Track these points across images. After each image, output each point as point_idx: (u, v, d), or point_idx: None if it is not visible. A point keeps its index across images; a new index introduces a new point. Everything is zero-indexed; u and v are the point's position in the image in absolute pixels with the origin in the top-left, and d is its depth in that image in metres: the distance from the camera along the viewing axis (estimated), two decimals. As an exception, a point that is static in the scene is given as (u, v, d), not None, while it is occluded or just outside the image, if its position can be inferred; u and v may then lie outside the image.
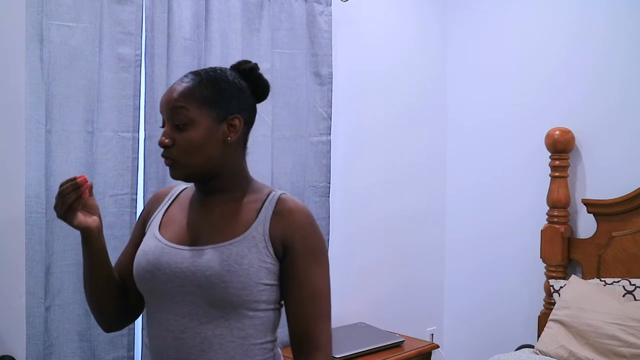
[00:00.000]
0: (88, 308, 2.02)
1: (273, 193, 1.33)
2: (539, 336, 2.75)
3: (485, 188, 3.27)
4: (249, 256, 1.23)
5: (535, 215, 2.98)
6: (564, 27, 2.97)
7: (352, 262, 2.98)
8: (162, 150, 1.28)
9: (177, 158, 1.25)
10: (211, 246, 1.25)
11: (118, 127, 2.11)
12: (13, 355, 1.95)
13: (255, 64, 1.38)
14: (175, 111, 1.25)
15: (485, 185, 3.27)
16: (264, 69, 2.52)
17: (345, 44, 2.90)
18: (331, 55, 2.74)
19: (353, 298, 2.99)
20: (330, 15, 2.74)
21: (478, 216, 3.31)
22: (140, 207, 2.17)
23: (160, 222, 1.36)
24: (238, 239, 1.25)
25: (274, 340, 1.33)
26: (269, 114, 2.53)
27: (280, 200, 1.31)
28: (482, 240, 3.29)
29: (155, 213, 1.40)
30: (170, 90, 1.29)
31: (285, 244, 1.27)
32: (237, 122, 1.29)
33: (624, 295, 2.53)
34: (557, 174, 2.87)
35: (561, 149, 2.84)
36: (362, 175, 3.03)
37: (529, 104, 3.09)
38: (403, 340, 2.71)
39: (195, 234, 1.29)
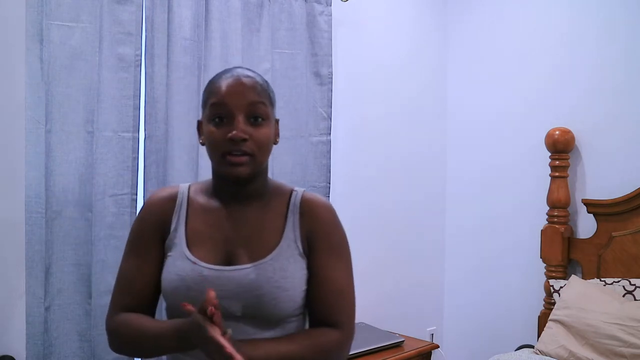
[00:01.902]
0: (88, 308, 2.05)
1: (295, 193, 1.33)
2: (539, 336, 2.75)
3: (485, 188, 3.27)
4: (290, 267, 1.23)
5: (535, 215, 2.98)
6: (564, 26, 2.97)
7: (352, 262, 2.97)
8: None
9: (253, 153, 1.22)
10: (253, 264, 1.23)
11: (118, 127, 2.10)
12: (13, 355, 1.95)
13: None
14: (256, 105, 1.23)
15: (485, 185, 3.27)
16: (264, 69, 2.55)
17: (345, 44, 2.90)
18: (331, 55, 2.74)
19: (353, 298, 2.99)
20: (330, 15, 2.74)
21: (478, 216, 3.31)
22: (140, 207, 2.16)
23: (187, 239, 1.28)
24: (276, 251, 1.24)
25: None
26: (269, 114, 2.53)
27: (303, 201, 1.31)
28: (482, 240, 3.29)
29: (173, 226, 1.30)
30: (241, 82, 1.24)
31: (310, 240, 1.27)
32: (278, 125, 1.32)
33: (624, 295, 2.53)
34: (557, 174, 2.87)
35: (561, 149, 2.84)
36: (362, 175, 3.03)
37: (528, 103, 3.09)
38: (403, 340, 2.71)
39: (231, 250, 1.26)
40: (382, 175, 3.12)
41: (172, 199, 1.34)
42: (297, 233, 1.27)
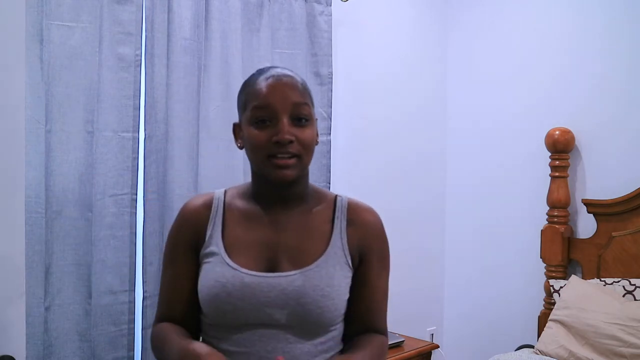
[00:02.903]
0: (88, 308, 2.05)
1: (340, 199, 1.31)
2: (539, 336, 2.75)
3: (485, 188, 3.27)
4: (336, 275, 1.21)
5: (535, 215, 2.98)
6: (564, 27, 2.97)
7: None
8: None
9: (301, 154, 1.20)
10: (298, 271, 1.20)
11: (118, 127, 2.10)
12: (13, 355, 1.94)
13: None
14: (300, 106, 1.21)
15: (485, 185, 3.27)
16: (264, 69, 2.54)
17: (345, 44, 2.90)
18: (331, 55, 2.74)
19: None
20: (330, 15, 2.74)
21: (478, 216, 3.31)
22: (140, 207, 2.17)
23: (225, 245, 1.24)
24: (322, 258, 1.22)
25: (342, 350, 1.31)
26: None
27: (350, 207, 1.29)
28: (482, 241, 3.29)
29: (208, 234, 1.26)
30: (283, 83, 1.21)
31: (362, 253, 1.26)
32: (316, 125, 1.28)
33: (624, 295, 2.53)
34: (557, 174, 2.87)
35: (561, 149, 2.84)
36: (362, 175, 3.03)
37: (529, 104, 3.09)
38: (403, 340, 2.71)
39: (274, 257, 1.23)
40: (382, 174, 3.12)
41: (207, 207, 1.30)
42: (345, 241, 1.24)
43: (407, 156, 3.24)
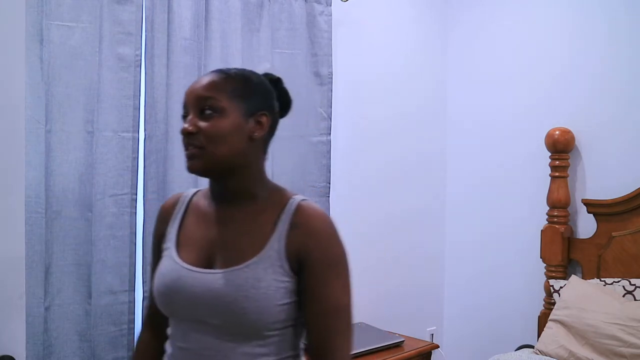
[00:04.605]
0: (88, 308, 2.05)
1: (292, 200, 1.26)
2: (539, 336, 2.75)
3: (485, 188, 3.27)
4: (266, 278, 1.18)
5: (535, 215, 2.98)
6: (564, 26, 2.97)
7: (352, 262, 2.97)
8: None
9: (203, 145, 1.20)
10: (227, 270, 1.19)
11: (118, 127, 2.10)
12: (13, 355, 1.95)
13: (281, 78, 1.36)
14: (203, 99, 1.21)
15: (485, 185, 3.27)
16: (264, 69, 2.54)
17: (345, 44, 2.90)
18: (331, 55, 2.74)
19: (353, 298, 2.99)
20: (330, 15, 2.74)
21: (478, 216, 3.31)
22: (140, 207, 2.17)
23: (177, 239, 1.29)
24: (254, 260, 1.19)
25: (298, 355, 1.29)
26: (269, 114, 2.53)
27: (298, 210, 1.24)
28: (482, 241, 3.29)
29: (170, 227, 1.32)
30: (197, 81, 1.25)
31: (302, 258, 1.21)
32: (264, 119, 1.25)
33: (624, 296, 2.53)
34: (557, 174, 2.87)
35: (561, 149, 2.84)
36: (361, 175, 3.03)
37: (529, 104, 3.09)
38: (403, 340, 2.71)
39: (213, 254, 1.23)
40: (383, 174, 3.12)
41: (174, 204, 1.36)
42: (283, 244, 1.20)
43: (407, 156, 3.24)
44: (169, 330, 1.29)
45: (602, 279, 2.65)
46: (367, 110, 3.05)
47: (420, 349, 2.70)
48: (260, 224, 1.24)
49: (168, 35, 2.22)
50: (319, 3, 2.69)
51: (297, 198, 1.27)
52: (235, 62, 2.40)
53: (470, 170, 3.34)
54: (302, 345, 1.30)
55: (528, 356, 2.51)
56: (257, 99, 1.26)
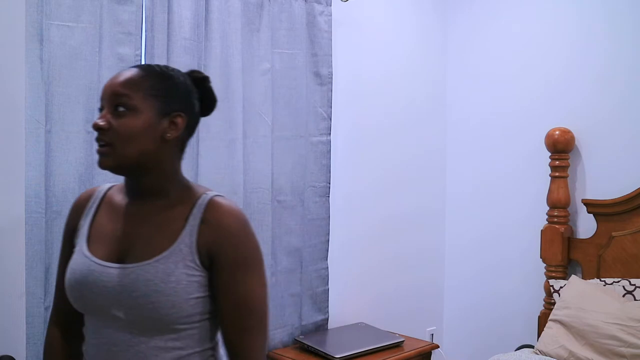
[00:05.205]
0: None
1: (204, 196, 1.25)
2: (539, 336, 2.75)
3: (485, 188, 3.27)
4: (176, 272, 1.17)
5: (535, 215, 2.98)
6: (564, 27, 2.97)
7: (352, 262, 2.98)
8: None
9: (113, 143, 1.19)
10: (138, 264, 1.19)
11: (118, 127, 2.10)
12: (13, 356, 1.95)
13: (208, 76, 1.34)
14: (118, 96, 1.20)
15: (485, 185, 3.27)
16: (264, 69, 2.55)
17: (345, 44, 2.90)
18: (331, 55, 2.74)
19: (353, 298, 2.99)
20: (330, 15, 2.74)
21: (478, 216, 3.31)
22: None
23: (89, 234, 1.28)
24: (164, 254, 1.19)
25: (214, 347, 1.28)
26: (269, 114, 2.53)
27: (209, 205, 1.23)
28: (482, 241, 3.29)
29: (81, 222, 1.31)
30: (117, 75, 1.25)
31: (212, 253, 1.20)
32: (179, 120, 1.24)
33: (624, 295, 2.53)
34: (557, 174, 2.87)
35: (561, 149, 2.84)
36: (361, 175, 3.03)
37: (528, 104, 3.09)
38: (403, 340, 2.71)
39: (124, 249, 1.23)
40: (382, 175, 3.12)
41: (88, 199, 1.35)
42: (194, 239, 1.20)
43: (407, 156, 3.24)
44: (85, 329, 1.28)
45: (602, 279, 2.65)
46: (367, 110, 3.05)
47: (420, 349, 2.70)
48: (171, 219, 1.23)
49: (168, 35, 2.22)
50: (319, 3, 2.69)
51: (210, 194, 1.27)
52: (235, 62, 2.40)
53: (470, 170, 3.34)
54: (219, 338, 1.29)
55: (528, 356, 2.51)
56: (174, 99, 1.25)
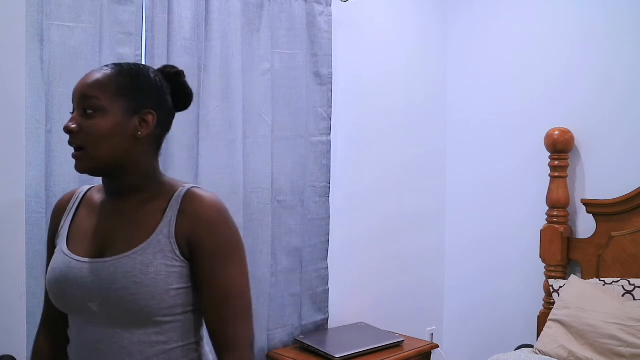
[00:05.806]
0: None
1: (181, 189, 1.25)
2: (538, 336, 2.75)
3: (485, 188, 3.28)
4: (155, 263, 1.17)
5: (534, 215, 2.98)
6: (564, 27, 2.98)
7: (352, 262, 2.98)
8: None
9: (85, 146, 1.19)
10: (116, 257, 1.19)
11: (118, 127, 2.10)
12: (13, 355, 1.95)
13: (182, 71, 1.33)
14: (86, 98, 1.20)
15: (485, 185, 3.27)
16: (264, 69, 2.55)
17: (345, 44, 2.90)
18: (331, 55, 2.74)
19: (353, 298, 2.99)
20: (330, 15, 2.74)
21: (478, 216, 3.31)
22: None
23: (69, 233, 1.29)
24: (142, 246, 1.19)
25: (199, 341, 1.28)
26: (269, 114, 2.53)
27: (187, 196, 1.23)
28: (482, 240, 3.29)
29: (62, 223, 1.33)
30: (86, 77, 1.25)
31: (192, 243, 1.20)
32: (150, 117, 1.23)
33: (623, 295, 2.53)
34: (556, 174, 2.87)
35: (561, 149, 2.84)
36: (361, 175, 3.03)
37: (528, 104, 3.09)
38: (403, 340, 2.71)
39: (103, 244, 1.23)
40: (382, 174, 3.12)
41: (68, 200, 1.36)
42: (172, 230, 1.20)
43: (407, 156, 3.24)
44: (69, 329, 1.28)
45: (602, 279, 2.65)
46: (367, 110, 3.05)
47: (420, 349, 2.70)
48: (149, 212, 1.24)
49: (168, 35, 2.22)
50: (319, 3, 2.69)
51: (188, 186, 1.27)
52: (235, 62, 2.41)
53: (470, 170, 3.34)
54: (204, 335, 1.29)
55: (528, 356, 2.51)
56: (143, 97, 1.24)
